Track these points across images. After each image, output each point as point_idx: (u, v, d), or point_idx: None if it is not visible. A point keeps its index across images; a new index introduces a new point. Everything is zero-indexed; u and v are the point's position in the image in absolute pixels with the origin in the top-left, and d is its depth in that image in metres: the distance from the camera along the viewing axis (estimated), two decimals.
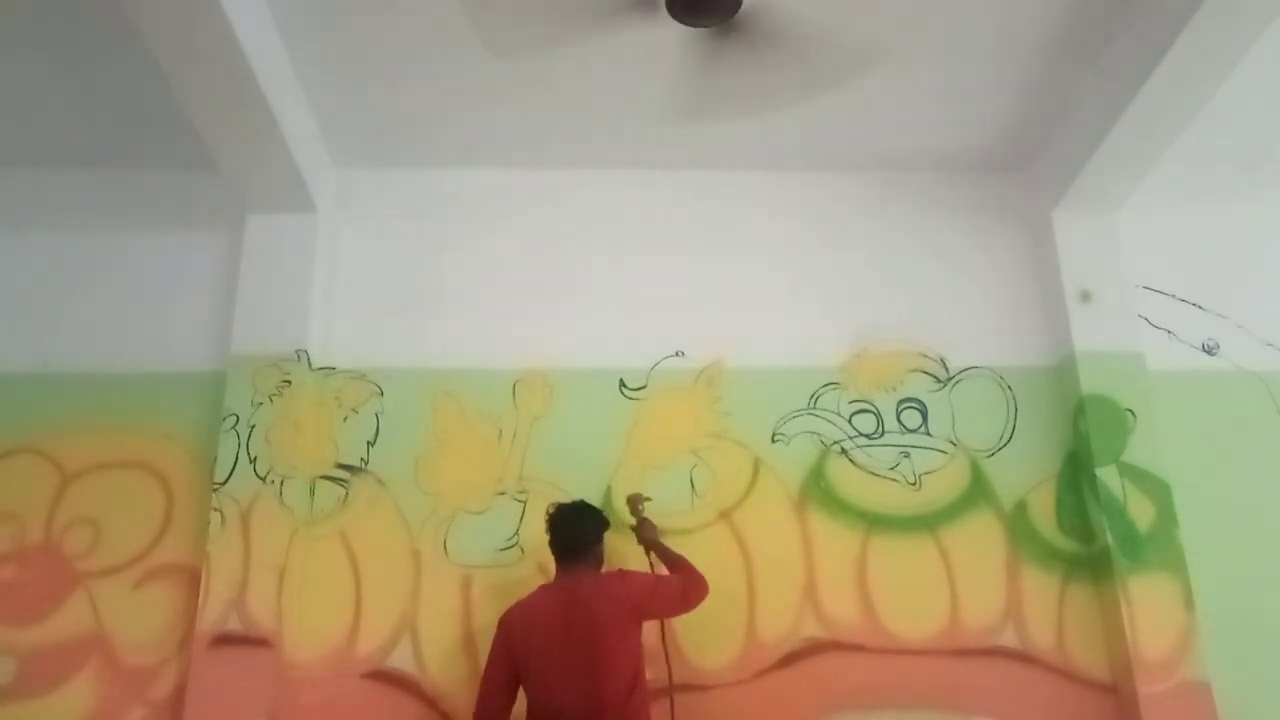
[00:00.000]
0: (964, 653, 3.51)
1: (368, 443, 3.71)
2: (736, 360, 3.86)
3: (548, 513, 3.21)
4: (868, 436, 3.80)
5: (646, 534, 3.36)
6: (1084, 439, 3.70)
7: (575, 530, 3.16)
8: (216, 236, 3.99)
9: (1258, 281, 4.10)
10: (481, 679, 3.04)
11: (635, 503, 3.44)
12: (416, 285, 3.95)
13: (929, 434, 3.81)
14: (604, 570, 3.19)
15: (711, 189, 4.12)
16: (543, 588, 3.14)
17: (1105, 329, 3.83)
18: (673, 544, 3.33)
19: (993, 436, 3.81)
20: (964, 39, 3.42)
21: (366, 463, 3.69)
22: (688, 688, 3.36)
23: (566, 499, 3.32)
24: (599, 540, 3.20)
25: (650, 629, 3.17)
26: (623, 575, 3.13)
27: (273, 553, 3.43)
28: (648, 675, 3.04)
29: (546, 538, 3.18)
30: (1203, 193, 4.15)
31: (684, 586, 3.14)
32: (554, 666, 2.90)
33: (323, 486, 3.63)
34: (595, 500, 3.60)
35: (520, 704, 3.01)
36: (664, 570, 3.27)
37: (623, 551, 3.41)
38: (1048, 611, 3.58)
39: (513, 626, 3.04)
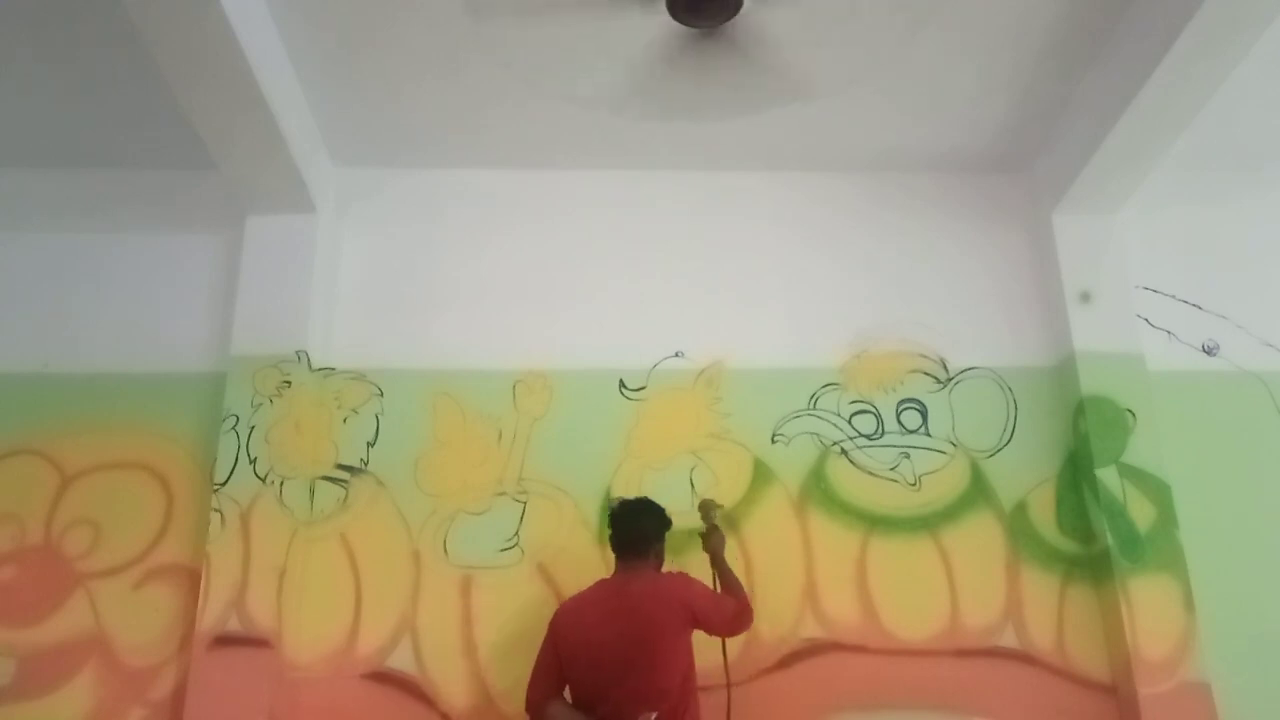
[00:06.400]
0: (964, 653, 3.52)
1: (368, 443, 3.71)
2: (736, 361, 3.86)
3: (609, 508, 3.18)
4: (868, 437, 3.80)
5: (714, 544, 3.28)
6: (1084, 439, 3.70)
7: (635, 527, 3.08)
8: (216, 237, 3.99)
9: (1258, 282, 4.09)
10: (532, 671, 3.00)
11: (708, 509, 3.36)
12: (416, 286, 3.95)
13: (929, 434, 3.80)
14: (665, 570, 3.12)
15: (711, 189, 4.12)
16: (600, 583, 3.10)
17: (1105, 329, 3.83)
18: (674, 544, 3.31)
19: (993, 437, 3.81)
20: (964, 40, 3.42)
21: (366, 463, 3.69)
22: None
23: (629, 496, 3.28)
24: (659, 539, 3.12)
25: None
26: (685, 579, 3.04)
27: (273, 553, 3.43)
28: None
29: (607, 533, 3.13)
30: (1203, 193, 4.15)
31: (738, 612, 3.09)
32: (601, 663, 2.86)
33: (323, 487, 3.63)
34: (595, 502, 3.60)
35: None
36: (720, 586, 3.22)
37: (684, 558, 3.38)
38: (1048, 612, 3.58)
39: (562, 622, 3.01)
